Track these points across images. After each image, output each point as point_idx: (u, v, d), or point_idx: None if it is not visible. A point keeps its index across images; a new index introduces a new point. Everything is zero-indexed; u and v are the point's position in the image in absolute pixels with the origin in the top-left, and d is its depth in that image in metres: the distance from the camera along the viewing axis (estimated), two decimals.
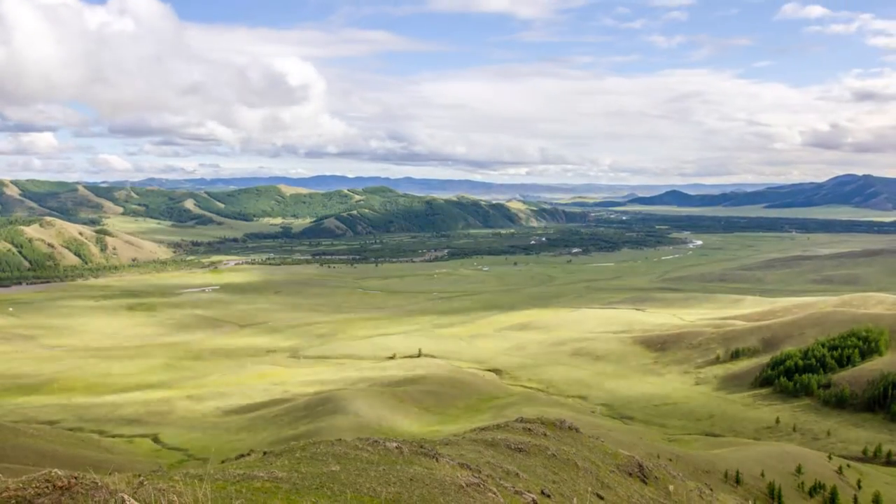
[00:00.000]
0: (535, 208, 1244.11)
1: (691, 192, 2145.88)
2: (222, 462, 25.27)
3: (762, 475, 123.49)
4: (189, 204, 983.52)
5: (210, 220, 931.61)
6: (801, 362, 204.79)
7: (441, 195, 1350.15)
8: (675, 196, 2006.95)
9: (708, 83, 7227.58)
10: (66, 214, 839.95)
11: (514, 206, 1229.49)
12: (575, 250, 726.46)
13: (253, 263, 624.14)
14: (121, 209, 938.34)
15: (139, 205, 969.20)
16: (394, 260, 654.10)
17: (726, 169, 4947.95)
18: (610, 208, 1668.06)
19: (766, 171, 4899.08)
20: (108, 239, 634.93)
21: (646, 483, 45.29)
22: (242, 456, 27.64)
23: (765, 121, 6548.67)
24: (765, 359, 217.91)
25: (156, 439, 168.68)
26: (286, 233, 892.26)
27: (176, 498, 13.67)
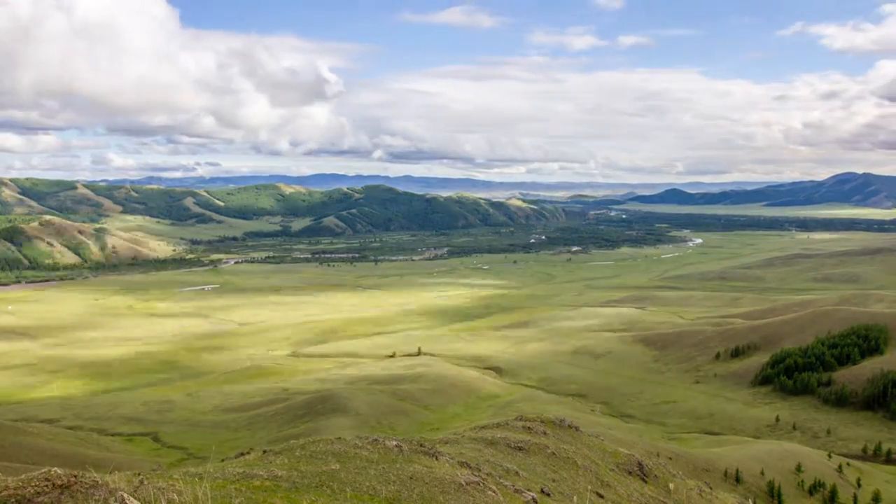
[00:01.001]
0: (534, 207, 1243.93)
1: (691, 191, 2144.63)
2: (222, 461, 25.25)
3: (762, 473, 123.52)
4: (188, 202, 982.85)
5: (210, 218, 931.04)
6: (800, 361, 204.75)
7: (440, 193, 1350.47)
8: (674, 194, 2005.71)
9: (672, 81, 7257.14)
10: (66, 213, 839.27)
11: (514, 204, 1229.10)
12: (575, 249, 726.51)
13: (252, 262, 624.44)
14: (120, 208, 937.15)
15: (139, 203, 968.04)
16: (393, 258, 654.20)
17: (718, 168, 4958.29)
18: (610, 207, 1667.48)
19: (757, 170, 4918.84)
20: (108, 238, 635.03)
21: (646, 481, 45.29)
22: (242, 454, 27.61)
23: (738, 117, 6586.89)
24: (765, 357, 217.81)
25: (155, 438, 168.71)
26: (286, 231, 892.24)
27: (176, 496, 13.65)
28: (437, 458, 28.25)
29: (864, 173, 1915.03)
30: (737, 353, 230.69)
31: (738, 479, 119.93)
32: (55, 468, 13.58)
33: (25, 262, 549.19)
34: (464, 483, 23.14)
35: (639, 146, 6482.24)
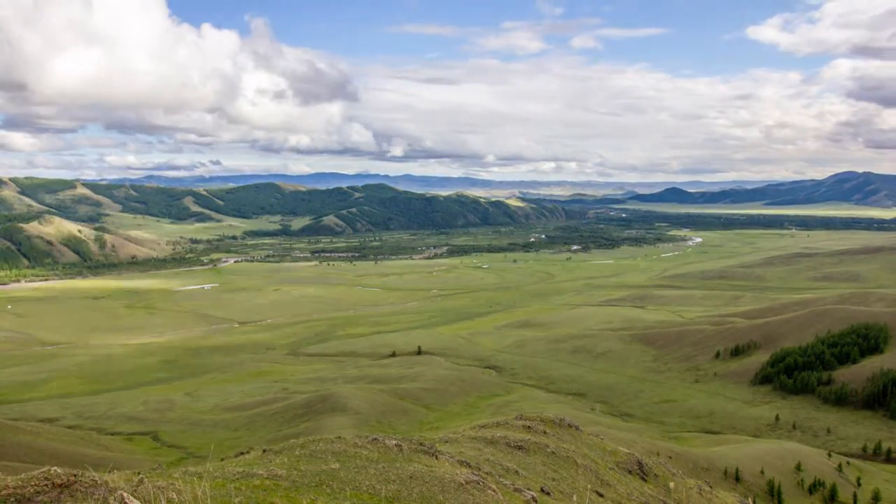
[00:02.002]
0: (534, 206, 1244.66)
1: (690, 190, 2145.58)
2: (221, 460, 25.22)
3: (762, 473, 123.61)
4: (188, 201, 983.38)
5: (209, 217, 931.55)
6: (800, 359, 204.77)
7: (440, 192, 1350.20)
8: (674, 193, 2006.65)
9: (637, 80, 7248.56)
10: (66, 212, 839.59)
11: (514, 203, 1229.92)
12: (574, 248, 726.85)
13: (252, 261, 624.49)
14: (120, 207, 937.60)
15: (138, 202, 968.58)
16: (393, 257, 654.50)
17: (710, 167, 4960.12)
18: (609, 206, 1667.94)
19: (749, 169, 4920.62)
20: (107, 237, 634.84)
21: (645, 480, 45.29)
22: (242, 453, 27.58)
23: (713, 115, 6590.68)
24: (765, 356, 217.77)
25: (155, 437, 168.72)
26: (285, 230, 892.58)
27: (175, 496, 13.63)
28: (436, 457, 28.24)
29: (864, 172, 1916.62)
30: (737, 352, 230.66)
31: (737, 478, 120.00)
32: (55, 467, 13.57)
33: (25, 261, 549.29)
34: (464, 482, 23.12)
35: (625, 145, 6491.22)
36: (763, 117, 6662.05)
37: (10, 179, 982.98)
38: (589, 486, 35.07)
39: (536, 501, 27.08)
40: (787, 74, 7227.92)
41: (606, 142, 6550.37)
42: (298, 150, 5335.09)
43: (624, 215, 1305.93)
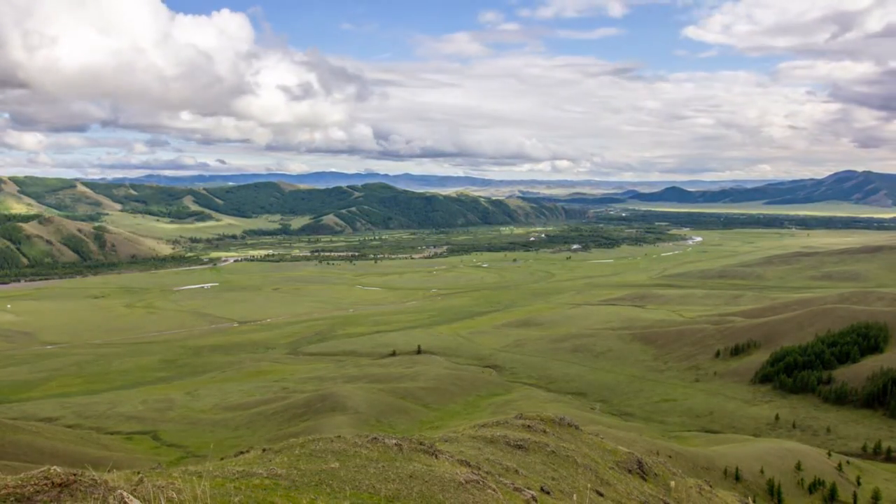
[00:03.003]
0: (534, 205, 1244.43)
1: (690, 189, 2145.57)
2: (221, 459, 25.22)
3: (762, 472, 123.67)
4: (188, 200, 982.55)
5: (209, 216, 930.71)
6: (800, 359, 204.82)
7: (440, 191, 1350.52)
8: (674, 192, 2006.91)
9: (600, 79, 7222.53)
10: (65, 211, 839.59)
11: (514, 202, 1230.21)
12: (574, 247, 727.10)
13: (252, 260, 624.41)
14: (119, 206, 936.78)
15: (138, 201, 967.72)
16: (393, 256, 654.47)
17: (700, 166, 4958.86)
18: (610, 205, 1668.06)
19: (737, 167, 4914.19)
20: (107, 236, 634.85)
21: (645, 480, 45.30)
22: (241, 453, 27.58)
23: (689, 114, 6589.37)
24: (764, 355, 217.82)
25: (155, 436, 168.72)
26: (285, 229, 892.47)
27: (175, 495, 13.62)
28: (436, 457, 28.23)
29: (865, 171, 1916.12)
30: (736, 352, 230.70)
31: (737, 478, 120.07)
32: (54, 467, 13.56)
33: (24, 260, 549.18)
34: (463, 481, 23.12)
35: (612, 144, 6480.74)
36: (732, 115, 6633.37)
37: (10, 178, 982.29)
38: (589, 486, 35.07)
39: (536, 501, 27.08)
40: (743, 74, 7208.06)
41: (593, 141, 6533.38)
42: (298, 150, 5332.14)
43: (624, 214, 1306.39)
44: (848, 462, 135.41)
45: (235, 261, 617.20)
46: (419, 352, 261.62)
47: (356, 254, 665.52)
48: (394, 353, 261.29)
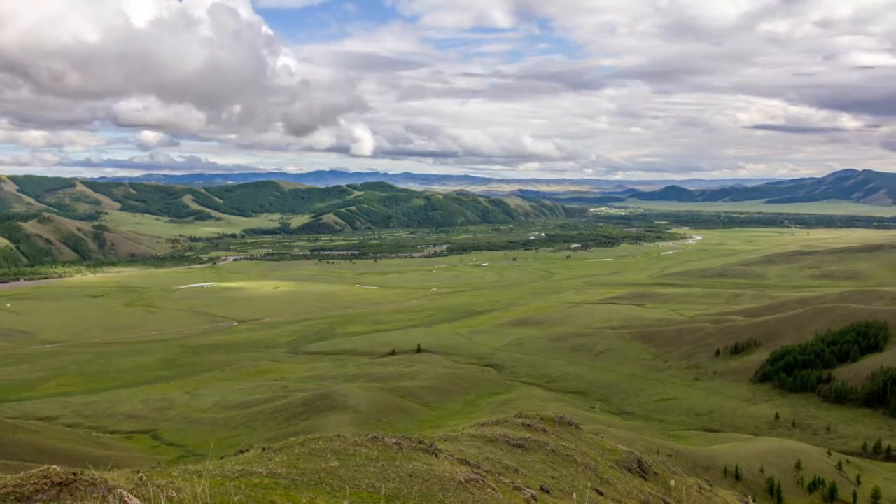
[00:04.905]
0: (534, 204, 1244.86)
1: (690, 188, 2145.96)
2: (221, 458, 25.18)
3: (762, 471, 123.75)
4: (187, 200, 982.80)
5: (208, 215, 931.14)
6: (800, 358, 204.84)
7: (440, 190, 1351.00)
8: (674, 191, 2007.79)
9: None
10: (64, 210, 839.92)
11: (514, 201, 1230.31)
12: (574, 246, 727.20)
13: (251, 259, 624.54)
14: (119, 205, 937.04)
15: (137, 200, 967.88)
16: (392, 255, 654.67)
17: (688, 164, 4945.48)
18: (609, 203, 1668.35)
19: (724, 166, 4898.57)
20: (107, 235, 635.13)
21: (645, 479, 45.29)
22: (241, 452, 27.55)
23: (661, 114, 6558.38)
24: (764, 354, 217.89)
25: (155, 435, 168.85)
26: (285, 228, 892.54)
27: (175, 494, 13.61)
28: (436, 456, 28.22)
29: (865, 170, 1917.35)
30: (736, 351, 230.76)
31: (737, 477, 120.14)
32: (54, 466, 13.54)
33: (24, 259, 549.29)
34: (463, 480, 23.11)
35: (598, 145, 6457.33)
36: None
37: (10, 177, 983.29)
38: (589, 485, 35.05)
39: (536, 500, 27.06)
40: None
41: (588, 141, 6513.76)
42: (298, 149, 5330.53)
43: (624, 213, 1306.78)
44: (848, 461, 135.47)
45: (235, 260, 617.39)
46: (419, 351, 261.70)
47: (356, 253, 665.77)
48: (393, 352, 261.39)
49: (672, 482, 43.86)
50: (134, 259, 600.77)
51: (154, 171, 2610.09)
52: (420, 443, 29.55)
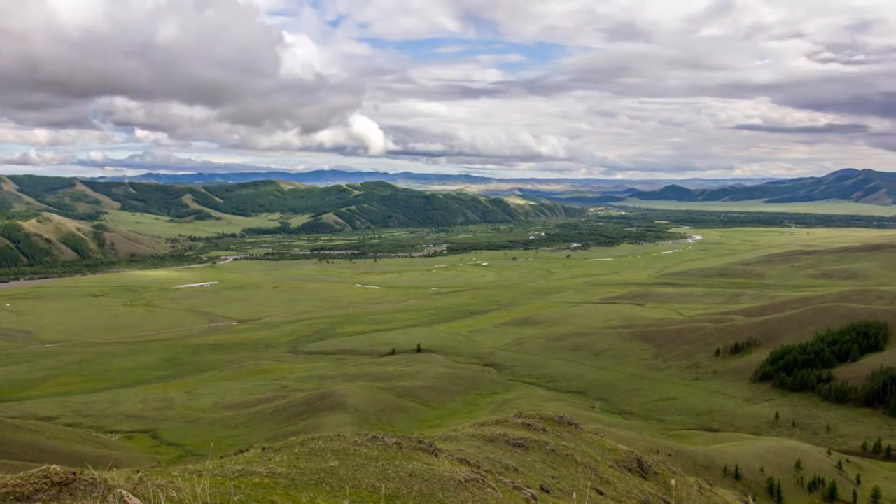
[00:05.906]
0: (534, 203, 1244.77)
1: (690, 188, 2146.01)
2: (221, 458, 25.18)
3: (762, 470, 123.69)
4: (187, 199, 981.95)
5: (208, 215, 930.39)
6: (800, 357, 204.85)
7: (440, 189, 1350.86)
8: (674, 191, 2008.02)
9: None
10: (64, 209, 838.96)
11: (514, 201, 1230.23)
12: (574, 245, 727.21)
13: (251, 259, 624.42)
14: (119, 204, 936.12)
15: (137, 200, 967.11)
16: (392, 255, 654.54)
17: (682, 164, 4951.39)
18: (609, 203, 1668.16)
19: (715, 165, 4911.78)
20: (106, 234, 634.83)
21: (645, 478, 45.30)
22: (241, 451, 27.57)
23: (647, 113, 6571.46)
24: (764, 354, 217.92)
25: (154, 435, 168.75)
26: (284, 228, 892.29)
27: (175, 493, 13.60)
28: (436, 455, 28.22)
29: (865, 170, 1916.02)
30: (736, 350, 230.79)
31: (737, 476, 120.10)
32: (54, 465, 13.54)
33: (24, 259, 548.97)
34: (463, 480, 23.10)
35: (604, 143, 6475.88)
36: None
37: (9, 177, 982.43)
38: (589, 484, 35.04)
39: (536, 499, 27.06)
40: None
41: (586, 141, 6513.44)
42: (298, 148, 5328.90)
43: (624, 213, 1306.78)
44: (848, 460, 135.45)
45: (235, 259, 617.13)
46: (419, 350, 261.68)
47: (356, 252, 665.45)
48: (393, 352, 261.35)
49: (672, 482, 43.91)
50: (134, 259, 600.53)
51: (154, 171, 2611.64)
52: (420, 442, 29.55)
